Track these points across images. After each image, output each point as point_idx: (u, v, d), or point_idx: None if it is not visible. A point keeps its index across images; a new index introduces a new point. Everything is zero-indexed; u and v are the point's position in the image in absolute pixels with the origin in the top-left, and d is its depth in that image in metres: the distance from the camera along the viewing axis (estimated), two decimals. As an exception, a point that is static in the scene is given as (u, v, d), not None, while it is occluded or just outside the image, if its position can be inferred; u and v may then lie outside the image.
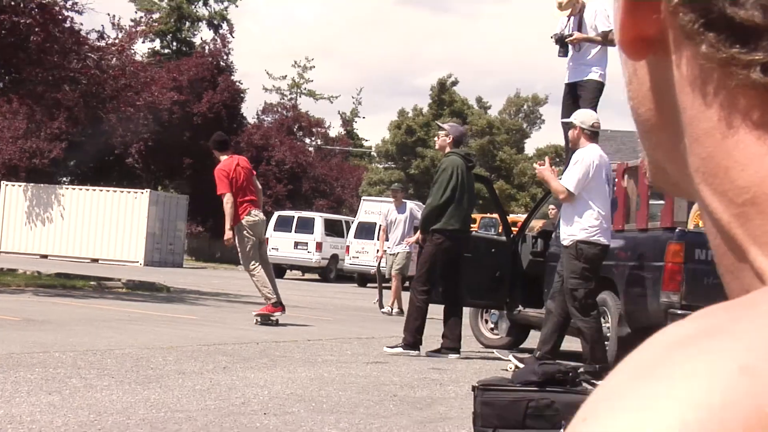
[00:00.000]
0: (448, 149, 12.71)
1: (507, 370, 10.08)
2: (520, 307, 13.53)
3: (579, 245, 10.82)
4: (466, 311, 14.83)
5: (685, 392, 0.62)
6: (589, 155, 10.90)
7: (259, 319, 14.94)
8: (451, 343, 12.16)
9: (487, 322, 14.70)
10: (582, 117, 11.34)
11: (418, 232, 13.03)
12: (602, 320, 11.84)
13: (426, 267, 12.44)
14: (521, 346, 14.05)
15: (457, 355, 12.04)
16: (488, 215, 21.38)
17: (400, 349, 11.97)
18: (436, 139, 13.26)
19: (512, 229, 14.30)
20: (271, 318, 14.94)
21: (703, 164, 0.82)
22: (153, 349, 10.67)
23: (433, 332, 12.55)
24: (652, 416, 0.62)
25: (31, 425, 6.04)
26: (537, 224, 14.42)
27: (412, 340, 12.10)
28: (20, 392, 7.20)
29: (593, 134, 11.32)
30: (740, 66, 0.78)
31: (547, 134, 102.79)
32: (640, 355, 0.68)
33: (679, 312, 10.70)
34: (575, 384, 6.99)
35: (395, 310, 19.37)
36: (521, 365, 9.17)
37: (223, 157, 15.80)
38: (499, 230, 14.56)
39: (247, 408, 7.29)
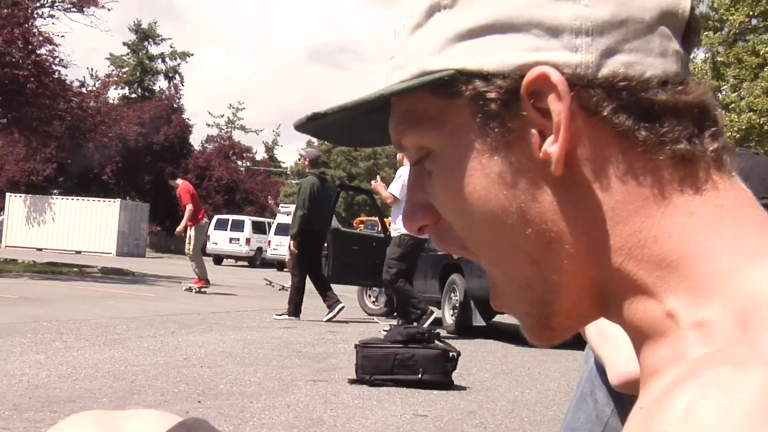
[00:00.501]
0: (307, 170, 12.82)
1: (384, 331, 10.12)
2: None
3: (402, 237, 11.13)
4: (354, 288, 14.90)
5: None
6: (407, 172, 10.81)
7: (194, 289, 16.67)
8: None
9: (370, 296, 14.75)
10: None
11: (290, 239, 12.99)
12: (451, 293, 12.00)
13: (298, 258, 12.61)
14: (394, 313, 14.09)
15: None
16: (371, 218, 21.47)
17: (285, 316, 12.19)
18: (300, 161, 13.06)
19: (387, 228, 14.37)
20: (202, 289, 16.63)
21: (626, 241, 0.76)
22: (119, 319, 10.50)
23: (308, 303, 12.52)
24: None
25: (21, 377, 5.91)
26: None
27: (294, 309, 12.36)
28: (14, 353, 7.04)
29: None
30: (668, 142, 0.75)
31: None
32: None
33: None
34: (430, 341, 7.04)
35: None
36: (388, 328, 9.21)
37: (179, 182, 17.10)
38: (379, 229, 14.54)
39: (188, 362, 7.21)
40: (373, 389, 6.54)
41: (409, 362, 6.79)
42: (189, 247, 16.66)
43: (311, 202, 12.18)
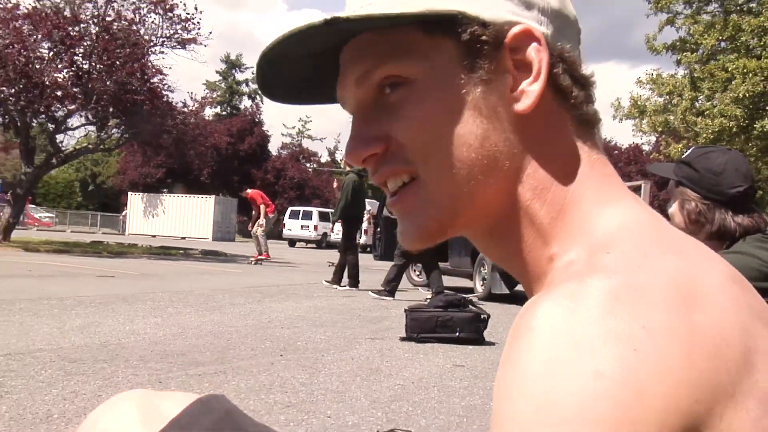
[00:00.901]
0: (347, 169, 12.71)
1: (427, 299, 10.10)
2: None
3: None
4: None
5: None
6: None
7: (260, 262, 18.08)
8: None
9: (415, 271, 14.70)
10: None
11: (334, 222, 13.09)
12: (480, 267, 11.91)
13: (345, 237, 12.52)
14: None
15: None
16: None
17: (347, 287, 12.09)
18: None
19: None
20: (260, 262, 18.45)
21: (541, 182, 0.78)
22: (216, 290, 10.58)
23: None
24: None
25: (144, 336, 5.98)
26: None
27: (353, 281, 12.30)
28: (138, 316, 7.12)
29: None
30: (578, 107, 0.81)
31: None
32: (520, 365, 0.62)
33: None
34: (466, 306, 6.99)
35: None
36: (431, 296, 9.19)
37: (249, 191, 19.33)
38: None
39: (271, 324, 7.24)
40: (419, 345, 6.52)
41: (448, 323, 6.75)
42: (257, 229, 18.61)
43: (351, 195, 12.13)
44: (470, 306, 7.07)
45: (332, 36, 0.78)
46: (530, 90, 0.77)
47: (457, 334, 6.72)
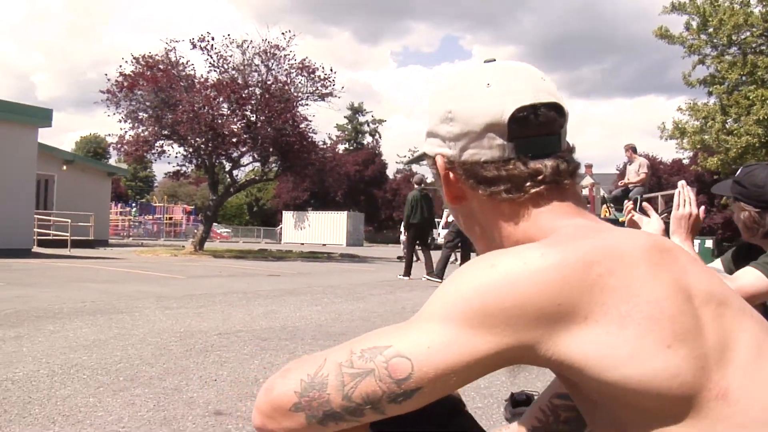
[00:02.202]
0: (415, 186, 12.96)
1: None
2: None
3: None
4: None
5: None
6: None
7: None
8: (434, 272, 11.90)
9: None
10: None
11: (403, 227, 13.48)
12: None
13: (409, 242, 12.85)
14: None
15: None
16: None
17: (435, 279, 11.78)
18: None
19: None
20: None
21: (500, 237, 0.99)
22: (356, 284, 10.73)
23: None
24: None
25: (310, 320, 6.15)
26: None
27: (439, 273, 12.04)
28: (303, 305, 7.33)
29: None
30: (498, 194, 0.97)
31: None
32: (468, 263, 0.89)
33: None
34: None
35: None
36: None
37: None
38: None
39: (405, 310, 7.29)
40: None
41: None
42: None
43: (412, 209, 12.42)
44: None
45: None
46: (445, 192, 1.04)
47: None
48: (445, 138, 1.01)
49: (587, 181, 11.77)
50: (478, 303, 0.80)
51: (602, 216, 11.03)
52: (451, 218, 11.99)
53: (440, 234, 21.29)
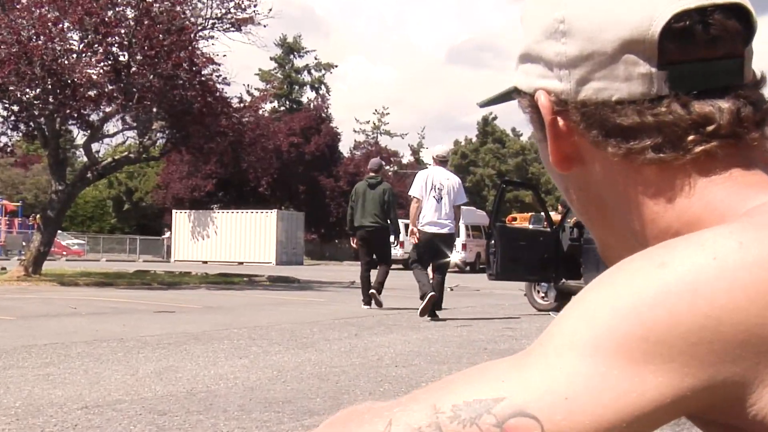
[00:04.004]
0: (370, 175, 14.19)
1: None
2: (564, 280, 13.50)
3: (420, 231, 12.29)
4: (523, 284, 14.86)
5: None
6: (421, 174, 12.82)
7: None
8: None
9: (538, 292, 14.62)
10: (433, 150, 13.35)
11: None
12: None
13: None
14: (566, 308, 13.95)
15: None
16: (534, 213, 21.37)
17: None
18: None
19: (555, 222, 14.25)
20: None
21: (641, 221, 0.96)
22: (301, 323, 10.75)
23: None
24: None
25: (235, 380, 6.12)
26: (574, 218, 14.31)
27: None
28: (220, 358, 7.31)
29: (439, 161, 12.79)
30: (640, 152, 0.93)
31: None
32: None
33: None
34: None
35: None
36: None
37: None
38: (544, 224, 14.42)
39: (382, 362, 7.31)
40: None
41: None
42: None
43: (353, 206, 13.95)
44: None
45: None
46: (550, 150, 1.00)
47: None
48: (552, 63, 0.99)
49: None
50: (644, 324, 0.78)
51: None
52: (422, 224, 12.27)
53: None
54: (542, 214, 14.81)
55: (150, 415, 4.86)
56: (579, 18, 0.96)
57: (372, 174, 14.07)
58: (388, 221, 13.97)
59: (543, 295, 14.58)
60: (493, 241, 13.34)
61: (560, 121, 0.98)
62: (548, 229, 13.88)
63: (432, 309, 11.86)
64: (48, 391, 5.62)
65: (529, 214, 25.19)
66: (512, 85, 1.06)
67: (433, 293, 11.83)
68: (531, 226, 16.37)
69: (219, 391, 5.67)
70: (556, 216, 15.08)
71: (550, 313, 13.30)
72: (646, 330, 0.77)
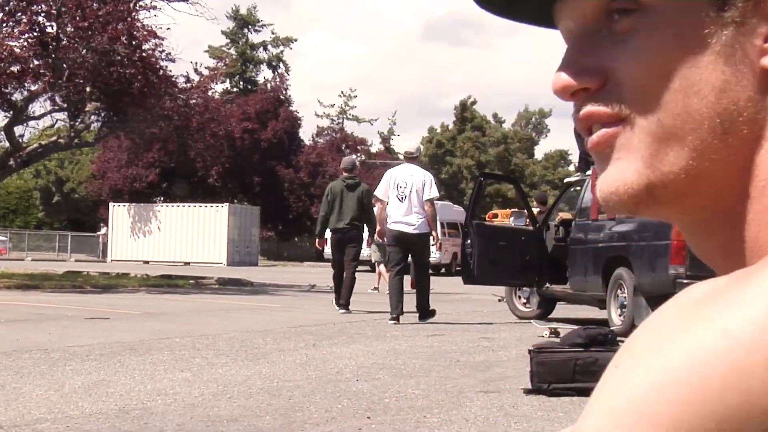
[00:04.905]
0: (343, 175, 14.83)
1: (543, 336, 10.08)
2: (548, 285, 13.57)
3: (388, 229, 12.86)
4: (502, 289, 14.95)
5: (687, 347, 0.69)
6: (386, 173, 13.39)
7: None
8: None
9: (520, 298, 14.68)
10: (403, 147, 14.08)
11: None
12: (617, 290, 11.82)
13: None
14: (550, 316, 14.02)
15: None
16: (516, 210, 21.39)
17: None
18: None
19: (537, 219, 14.30)
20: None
21: None
22: (252, 332, 10.74)
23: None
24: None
25: (175, 396, 6.11)
26: (560, 215, 14.38)
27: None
28: (159, 371, 7.29)
29: (408, 158, 13.27)
30: None
31: (553, 141, 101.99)
32: (659, 318, 0.73)
33: (686, 281, 10.66)
34: (614, 344, 6.98)
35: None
36: (548, 332, 9.13)
37: None
38: (527, 222, 14.48)
39: (341, 376, 7.32)
40: (554, 399, 6.52)
41: (592, 368, 6.74)
42: None
43: (330, 206, 14.45)
44: (620, 343, 7.04)
45: None
46: None
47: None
48: None
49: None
50: (712, 408, 0.69)
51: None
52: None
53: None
54: (525, 210, 14.87)
55: (76, 436, 4.84)
56: None
57: (346, 174, 14.61)
58: (365, 224, 14.53)
59: (525, 301, 14.65)
60: (469, 241, 13.37)
61: None
62: (531, 228, 13.92)
63: (423, 314, 12.63)
64: (-40, 408, 5.59)
65: (511, 210, 25.34)
66: None
67: (395, 319, 12.45)
68: (512, 224, 16.46)
69: (155, 409, 5.66)
70: (563, 213, 15.00)
71: (532, 321, 13.34)
72: (718, 414, 0.68)
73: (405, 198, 12.62)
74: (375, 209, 13.62)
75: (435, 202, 13.29)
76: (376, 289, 20.98)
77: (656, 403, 0.69)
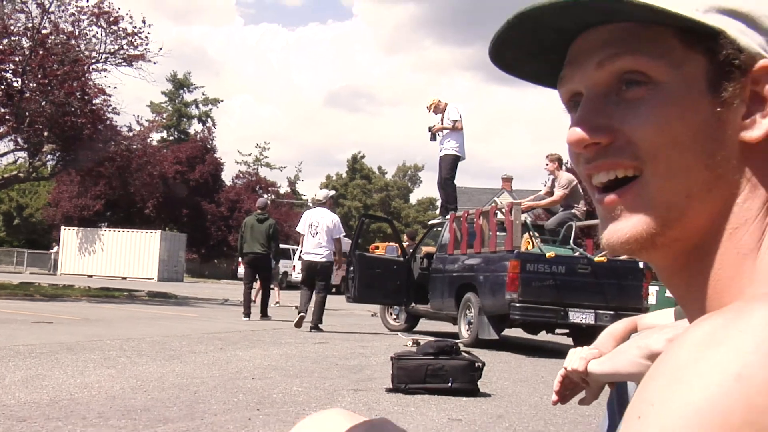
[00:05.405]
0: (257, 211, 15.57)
1: (407, 345, 10.12)
2: (413, 304, 13.63)
3: (301, 259, 13.80)
4: (377, 307, 14.99)
5: (698, 396, 0.67)
6: (305, 214, 13.99)
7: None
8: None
9: (391, 314, 14.71)
10: (316, 195, 14.53)
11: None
12: (466, 310, 11.92)
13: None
14: (414, 329, 14.09)
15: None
16: (391, 244, 21.48)
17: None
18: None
19: (407, 252, 14.36)
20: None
21: (751, 214, 0.86)
22: (171, 336, 10.53)
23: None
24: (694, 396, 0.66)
25: (99, 389, 5.94)
26: (424, 249, 14.46)
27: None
28: (88, 367, 7.07)
29: (318, 204, 13.93)
30: None
31: (424, 190, 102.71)
32: (672, 363, 0.70)
33: (518, 305, 10.77)
34: (458, 353, 7.03)
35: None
36: (411, 343, 9.19)
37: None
38: (398, 253, 14.53)
39: (240, 375, 7.21)
40: (408, 397, 6.53)
41: (439, 372, 6.78)
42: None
43: (242, 237, 15.38)
44: (463, 353, 7.10)
45: (598, 12, 0.86)
46: (762, 122, 0.85)
47: (450, 384, 6.74)
48: None
49: (505, 199, 12.27)
50: None
51: (523, 249, 11.42)
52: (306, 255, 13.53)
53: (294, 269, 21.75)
54: (396, 245, 14.94)
55: (8, 422, 4.66)
56: None
57: (259, 210, 15.41)
58: (269, 249, 15.22)
59: (395, 316, 14.69)
60: (352, 268, 13.38)
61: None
62: (401, 259, 14.01)
63: (315, 323, 12.97)
64: None
65: (389, 243, 25.39)
66: (715, 27, 0.86)
67: (302, 314, 12.84)
68: (386, 255, 16.53)
69: (82, 399, 5.49)
70: (425, 248, 15.04)
71: (398, 333, 13.38)
72: None
73: (316, 234, 13.29)
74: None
75: (343, 238, 13.91)
76: (277, 302, 20.84)
77: None
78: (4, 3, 18.78)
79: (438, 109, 14.49)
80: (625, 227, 0.89)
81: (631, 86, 0.88)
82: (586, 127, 0.90)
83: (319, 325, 12.92)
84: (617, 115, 0.89)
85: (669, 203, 0.87)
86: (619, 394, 1.73)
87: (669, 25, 0.86)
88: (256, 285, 15.77)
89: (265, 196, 63.57)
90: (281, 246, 44.33)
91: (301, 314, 12.77)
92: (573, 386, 1.76)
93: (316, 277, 13.34)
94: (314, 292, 13.27)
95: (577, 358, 1.69)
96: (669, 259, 0.91)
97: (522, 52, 0.94)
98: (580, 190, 12.44)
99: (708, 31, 0.85)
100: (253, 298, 15.41)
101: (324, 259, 13.34)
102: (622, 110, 0.88)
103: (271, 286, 16.91)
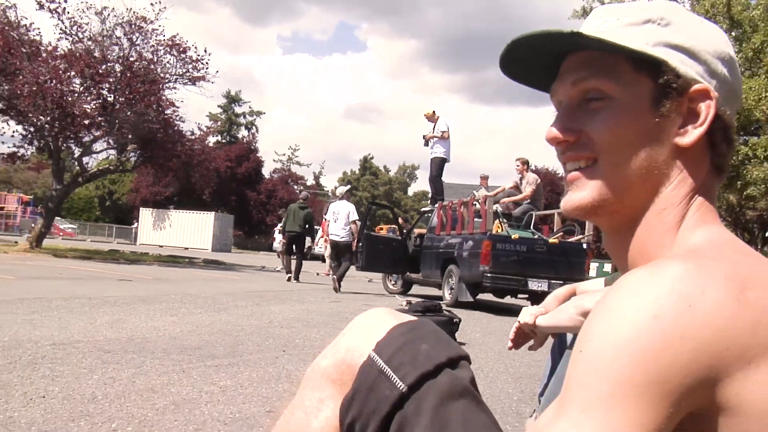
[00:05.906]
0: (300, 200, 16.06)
1: (401, 305, 10.10)
2: (408, 273, 13.64)
3: (328, 239, 14.11)
4: (376, 275, 15.14)
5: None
6: (330, 205, 14.33)
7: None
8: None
9: (390, 280, 14.74)
10: (337, 191, 14.53)
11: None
12: (449, 278, 11.93)
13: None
14: (408, 292, 14.12)
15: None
16: (392, 226, 21.44)
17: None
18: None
19: (404, 232, 14.37)
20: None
21: (676, 199, 0.91)
22: (220, 294, 10.53)
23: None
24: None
25: (163, 331, 5.97)
26: (417, 231, 14.46)
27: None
28: (156, 315, 7.10)
29: (339, 197, 14.17)
30: (722, 168, 0.96)
31: (419, 185, 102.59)
32: (605, 303, 0.76)
33: (489, 275, 10.79)
34: (440, 311, 7.05)
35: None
36: (405, 303, 9.21)
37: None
38: (397, 234, 14.53)
39: (271, 324, 7.23)
40: (400, 343, 6.53)
41: (425, 325, 6.78)
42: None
43: (286, 218, 15.66)
44: (445, 311, 7.12)
45: (567, 43, 0.91)
46: (693, 132, 0.90)
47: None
48: (714, 75, 0.91)
49: (482, 192, 12.24)
50: (652, 366, 0.70)
51: (494, 231, 11.44)
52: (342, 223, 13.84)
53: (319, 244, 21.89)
54: (396, 227, 14.94)
55: (98, 352, 4.70)
56: (731, 58, 0.92)
57: (302, 200, 16.06)
58: (306, 230, 15.61)
59: (394, 282, 14.71)
60: (361, 244, 13.39)
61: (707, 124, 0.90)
62: (399, 238, 14.02)
63: (338, 284, 13.00)
64: (29, 331, 5.37)
65: (391, 226, 25.38)
66: (661, 58, 0.90)
67: (335, 276, 13.08)
68: (388, 235, 16.53)
69: (151, 338, 5.53)
70: (418, 229, 15.01)
71: (396, 295, 13.41)
72: (654, 371, 0.70)
73: (338, 220, 13.75)
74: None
75: (357, 222, 14.03)
76: (318, 273, 20.71)
77: (634, 355, 0.71)
78: (104, 38, 18.88)
79: (432, 119, 14.50)
80: (578, 196, 0.94)
81: (593, 100, 0.93)
82: (559, 128, 0.95)
83: (340, 282, 13.12)
84: (582, 120, 0.94)
85: (613, 185, 0.91)
86: (559, 342, 1.75)
87: (625, 55, 0.90)
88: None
89: (295, 187, 63.60)
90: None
91: (334, 278, 13.07)
92: (525, 336, 1.78)
93: (340, 252, 13.79)
94: (342, 261, 13.60)
95: (528, 314, 1.72)
96: (610, 226, 0.95)
97: (523, 67, 0.99)
98: (542, 188, 12.64)
99: (653, 61, 0.89)
100: (284, 265, 15.92)
101: (344, 239, 13.75)
102: (586, 117, 0.93)
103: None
